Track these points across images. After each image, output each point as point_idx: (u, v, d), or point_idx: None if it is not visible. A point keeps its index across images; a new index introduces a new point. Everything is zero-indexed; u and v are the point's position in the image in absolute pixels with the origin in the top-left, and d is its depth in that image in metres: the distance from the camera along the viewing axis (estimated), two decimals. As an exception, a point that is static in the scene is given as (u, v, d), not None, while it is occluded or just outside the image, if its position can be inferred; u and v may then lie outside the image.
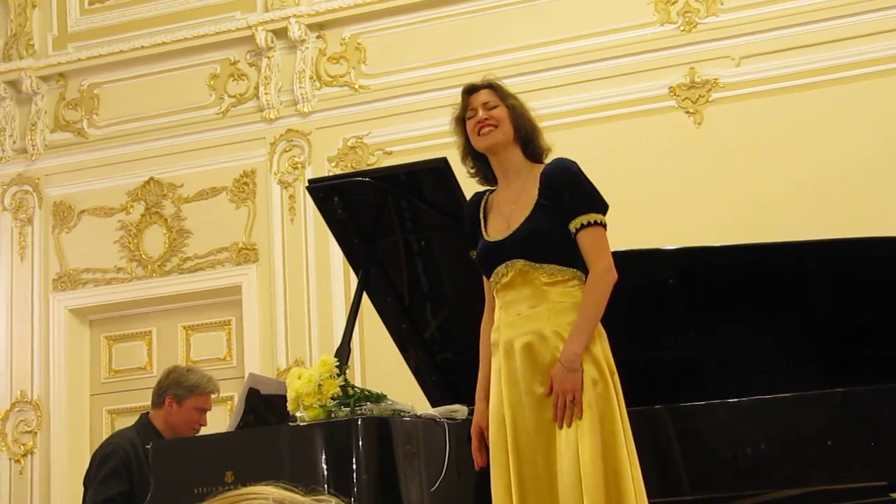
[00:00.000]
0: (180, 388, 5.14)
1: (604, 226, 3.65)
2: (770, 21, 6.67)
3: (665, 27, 6.88)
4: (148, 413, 5.22)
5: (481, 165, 3.87)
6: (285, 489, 1.53)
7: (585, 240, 3.62)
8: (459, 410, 4.04)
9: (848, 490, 4.12)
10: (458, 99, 3.88)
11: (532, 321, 3.59)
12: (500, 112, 3.75)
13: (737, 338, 4.51)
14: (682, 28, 6.84)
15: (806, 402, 4.02)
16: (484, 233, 3.77)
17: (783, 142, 6.54)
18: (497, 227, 3.74)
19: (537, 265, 3.61)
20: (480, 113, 3.75)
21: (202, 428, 5.25)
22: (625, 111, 6.83)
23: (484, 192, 3.88)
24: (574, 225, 3.63)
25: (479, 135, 3.75)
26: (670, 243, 4.98)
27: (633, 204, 6.48)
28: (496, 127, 3.73)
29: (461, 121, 3.84)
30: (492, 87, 3.82)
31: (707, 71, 6.75)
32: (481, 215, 3.81)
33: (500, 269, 3.66)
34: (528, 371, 3.56)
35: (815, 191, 6.40)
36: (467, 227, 3.87)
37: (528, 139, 3.77)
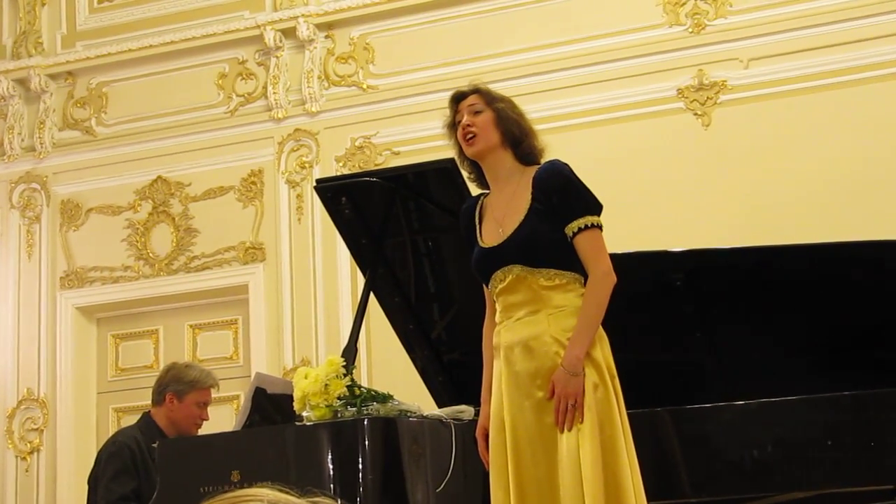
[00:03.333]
0: (180, 383, 5.17)
1: (600, 227, 3.64)
2: (779, 23, 6.66)
3: (673, 29, 6.87)
4: (150, 411, 5.24)
5: (475, 170, 3.87)
6: (281, 491, 1.53)
7: (583, 243, 3.61)
8: (466, 411, 4.04)
9: (855, 493, 4.12)
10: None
11: (531, 326, 3.59)
12: (485, 117, 3.74)
13: (744, 340, 4.51)
14: (690, 30, 6.83)
15: (813, 405, 4.01)
16: (479, 239, 3.76)
17: (791, 144, 6.53)
18: (491, 233, 3.73)
19: (535, 269, 3.60)
20: (465, 118, 3.75)
21: (204, 423, 5.27)
22: (633, 113, 6.82)
23: (478, 197, 3.87)
24: (570, 229, 3.62)
25: (464, 141, 3.75)
26: (678, 245, 4.98)
27: (641, 205, 6.48)
28: (478, 134, 3.72)
29: (453, 127, 3.84)
30: (478, 91, 3.81)
31: (715, 73, 6.74)
32: (476, 221, 3.80)
33: (498, 273, 3.66)
34: (528, 375, 3.56)
35: (824, 193, 6.39)
36: (462, 232, 3.86)
37: (516, 142, 3.75)
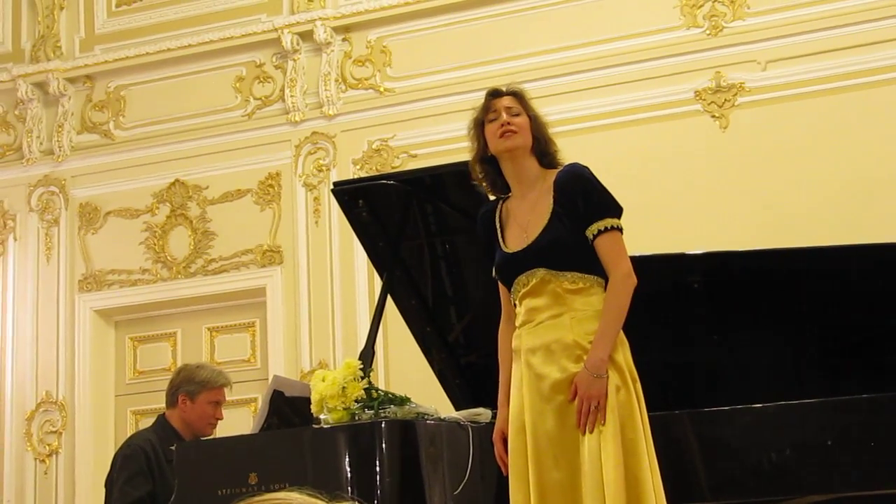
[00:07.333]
0: (192, 384, 5.19)
1: (620, 230, 3.66)
2: (796, 25, 6.65)
3: (691, 31, 6.86)
4: (164, 413, 5.25)
5: (491, 171, 3.85)
6: (310, 495, 1.53)
7: (603, 246, 3.62)
8: (483, 414, 4.04)
9: (872, 497, 4.10)
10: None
11: (554, 330, 3.59)
12: (523, 120, 3.76)
13: (761, 342, 4.49)
14: (708, 32, 6.82)
15: (831, 409, 4.00)
16: (502, 244, 3.77)
17: (809, 146, 6.51)
18: (515, 238, 3.74)
19: (559, 273, 3.62)
20: (504, 116, 3.75)
21: (221, 424, 5.28)
22: (650, 115, 6.81)
23: (496, 202, 3.87)
24: (591, 231, 3.63)
25: (500, 137, 3.74)
26: (695, 248, 4.97)
27: (659, 208, 6.46)
28: (518, 133, 3.73)
29: (480, 123, 3.83)
30: (516, 94, 3.82)
31: (733, 75, 6.73)
32: (497, 225, 3.81)
33: (522, 278, 3.67)
34: (549, 378, 3.56)
35: (842, 196, 6.37)
36: (480, 235, 3.86)
37: (544, 151, 3.78)
